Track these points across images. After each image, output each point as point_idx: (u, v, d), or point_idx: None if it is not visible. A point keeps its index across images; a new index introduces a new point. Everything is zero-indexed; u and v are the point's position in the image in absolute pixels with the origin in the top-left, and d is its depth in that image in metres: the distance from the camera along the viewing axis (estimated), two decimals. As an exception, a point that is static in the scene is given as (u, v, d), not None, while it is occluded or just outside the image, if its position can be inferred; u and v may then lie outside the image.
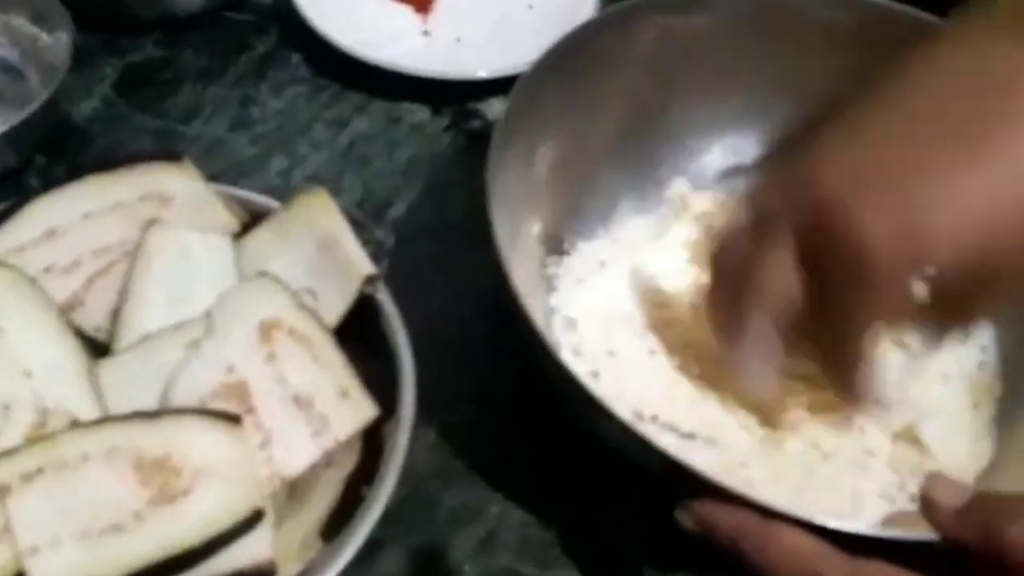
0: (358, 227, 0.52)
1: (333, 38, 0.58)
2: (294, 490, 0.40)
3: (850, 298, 0.37)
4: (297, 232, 0.44)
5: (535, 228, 0.47)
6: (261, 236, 0.44)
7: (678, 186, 0.50)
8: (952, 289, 0.36)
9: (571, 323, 0.46)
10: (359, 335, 0.43)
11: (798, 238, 0.37)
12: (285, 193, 0.49)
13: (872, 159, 0.36)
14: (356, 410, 0.40)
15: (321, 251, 0.43)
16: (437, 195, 0.55)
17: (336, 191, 0.54)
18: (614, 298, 0.46)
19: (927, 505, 0.34)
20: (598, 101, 0.47)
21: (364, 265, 0.43)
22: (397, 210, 0.54)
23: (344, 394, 0.40)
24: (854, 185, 0.36)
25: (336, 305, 0.43)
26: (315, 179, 0.55)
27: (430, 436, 0.46)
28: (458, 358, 0.48)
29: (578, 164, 0.47)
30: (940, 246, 0.35)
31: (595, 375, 0.45)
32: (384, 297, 0.43)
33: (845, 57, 0.43)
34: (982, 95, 0.37)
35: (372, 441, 0.41)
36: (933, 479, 0.34)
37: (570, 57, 0.45)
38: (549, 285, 0.47)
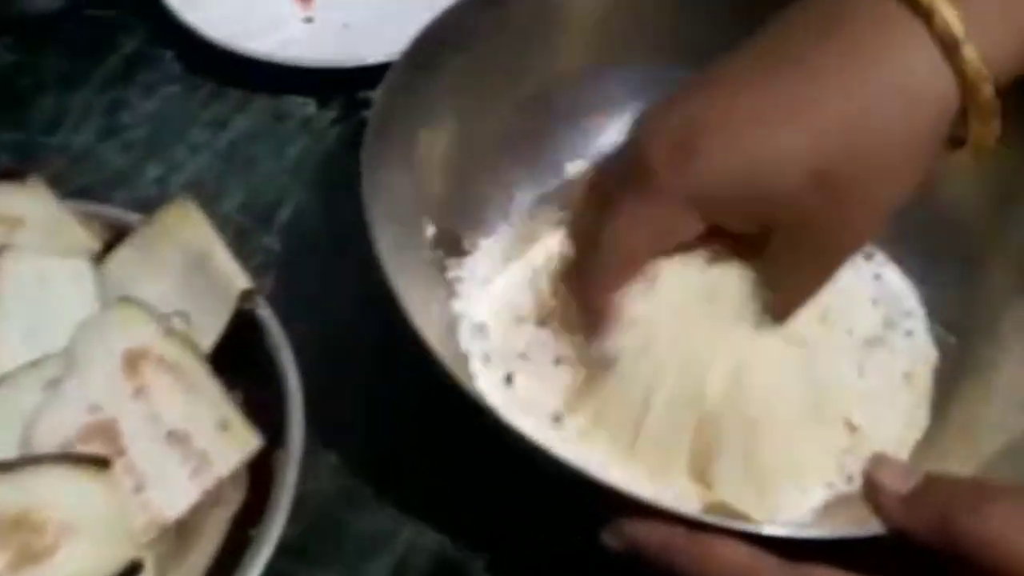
0: (243, 235, 0.49)
1: (205, 31, 0.54)
2: (177, 536, 0.36)
3: (627, 204, 0.36)
4: (163, 249, 0.40)
5: (429, 229, 0.43)
6: (124, 256, 0.40)
7: (577, 169, 0.46)
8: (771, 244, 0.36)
9: (480, 328, 0.43)
10: (241, 357, 0.39)
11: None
12: (161, 204, 0.45)
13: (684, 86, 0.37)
14: (238, 442, 0.36)
15: (191, 268, 0.39)
16: (328, 194, 0.51)
17: (218, 197, 0.51)
18: (522, 296, 0.43)
19: (872, 490, 0.31)
20: (483, 83, 0.43)
21: (240, 280, 0.39)
22: (285, 213, 0.50)
23: (224, 426, 0.36)
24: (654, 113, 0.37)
25: (212, 327, 0.39)
26: (194, 186, 0.51)
27: (332, 459, 0.42)
28: (357, 371, 0.44)
29: (468, 155, 0.44)
30: (703, 167, 0.35)
31: (508, 380, 0.42)
32: (266, 313, 0.40)
33: (749, 23, 0.41)
34: (807, 38, 0.35)
35: (261, 474, 0.37)
36: (878, 461, 0.32)
37: (448, 37, 0.41)
38: (451, 290, 0.43)
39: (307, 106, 0.55)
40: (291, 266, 0.48)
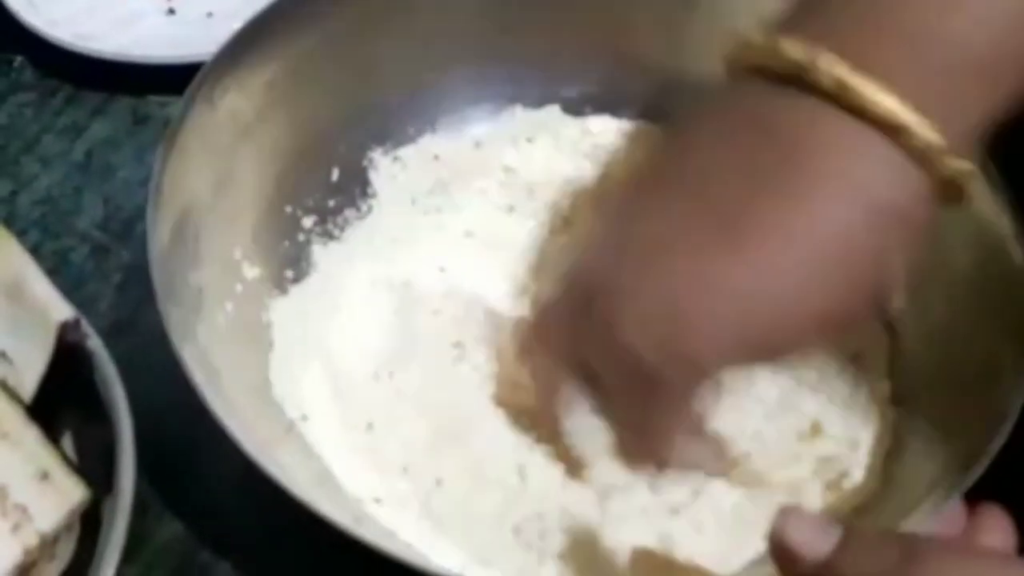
0: (101, 253, 0.46)
1: (51, 33, 0.50)
2: (4, 599, 0.32)
3: (644, 410, 0.33)
4: (-26, 281, 0.36)
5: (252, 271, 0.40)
6: (-67, 292, 0.36)
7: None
8: None
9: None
10: (72, 394, 0.35)
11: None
12: (12, 225, 0.42)
13: (633, 254, 0.32)
14: (60, 494, 0.33)
15: (7, 300, 0.35)
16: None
17: (74, 212, 0.47)
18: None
19: (784, 557, 0.25)
20: (313, 89, 0.40)
21: (58, 310, 0.35)
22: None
23: (44, 476, 0.33)
24: (618, 291, 0.32)
25: (34, 364, 0.35)
26: (47, 203, 0.47)
27: (199, 498, 0.39)
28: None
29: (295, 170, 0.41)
30: (706, 358, 0.31)
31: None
32: (96, 344, 0.36)
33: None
34: (753, 161, 0.30)
35: (92, 523, 0.33)
36: (787, 515, 0.26)
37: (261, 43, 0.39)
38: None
39: (172, 105, 0.50)
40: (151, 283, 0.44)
